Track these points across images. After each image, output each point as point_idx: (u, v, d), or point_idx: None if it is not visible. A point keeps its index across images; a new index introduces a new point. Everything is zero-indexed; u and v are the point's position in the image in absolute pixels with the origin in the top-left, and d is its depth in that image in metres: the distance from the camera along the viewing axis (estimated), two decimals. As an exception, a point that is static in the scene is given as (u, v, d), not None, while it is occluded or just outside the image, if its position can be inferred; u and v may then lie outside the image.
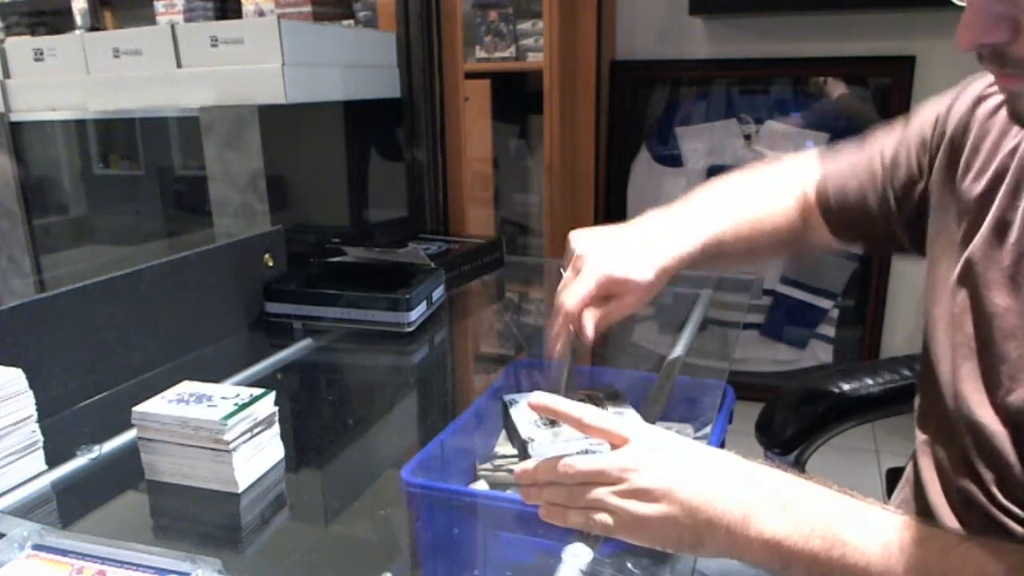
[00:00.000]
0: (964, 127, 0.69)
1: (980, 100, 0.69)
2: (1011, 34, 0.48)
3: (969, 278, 0.63)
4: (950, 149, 0.71)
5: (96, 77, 1.56)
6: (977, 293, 0.62)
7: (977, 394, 0.61)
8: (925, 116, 0.76)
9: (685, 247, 0.79)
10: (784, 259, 0.88)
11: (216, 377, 0.91)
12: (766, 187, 0.90)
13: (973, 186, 0.66)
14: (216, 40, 1.41)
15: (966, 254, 0.64)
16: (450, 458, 0.87)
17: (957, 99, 0.72)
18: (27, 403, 0.76)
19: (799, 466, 1.02)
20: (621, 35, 2.31)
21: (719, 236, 0.83)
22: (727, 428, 1.08)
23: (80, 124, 1.73)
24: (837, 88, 2.13)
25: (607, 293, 0.74)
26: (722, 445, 1.06)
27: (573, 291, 0.73)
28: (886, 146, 0.80)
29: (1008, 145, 0.64)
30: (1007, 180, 0.62)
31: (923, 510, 0.69)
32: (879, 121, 2.03)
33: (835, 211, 0.84)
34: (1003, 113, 0.65)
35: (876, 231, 0.82)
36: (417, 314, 1.22)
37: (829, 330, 2.24)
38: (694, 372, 1.02)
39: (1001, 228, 0.61)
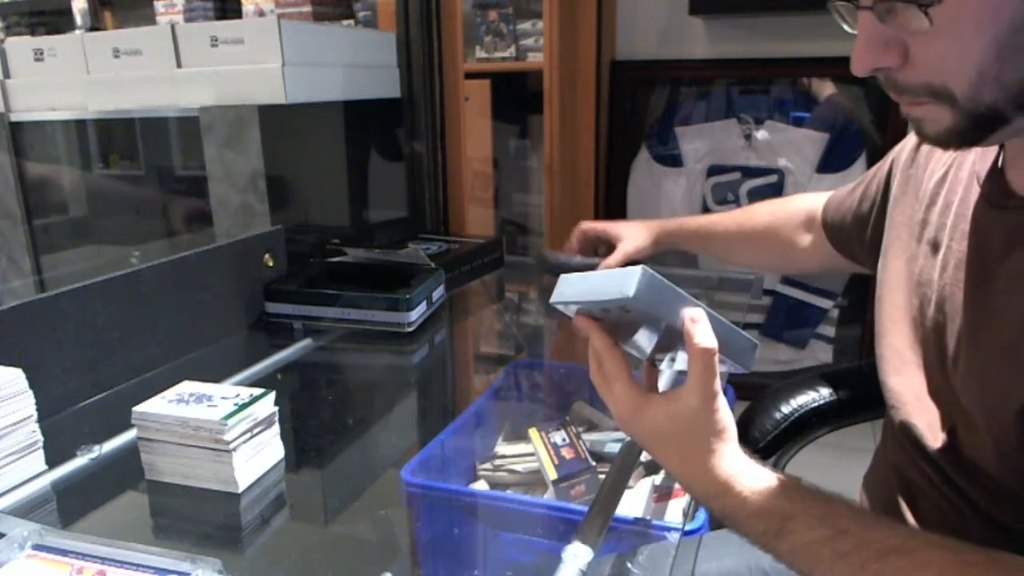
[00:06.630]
0: (911, 155, 0.76)
1: None
2: (900, 59, 0.50)
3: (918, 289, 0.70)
4: (901, 178, 0.77)
5: (96, 77, 1.56)
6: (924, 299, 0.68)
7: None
8: (894, 149, 0.82)
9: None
10: (784, 266, 1.19)
11: (216, 377, 0.91)
12: (779, 203, 1.12)
13: (914, 209, 0.72)
14: (216, 40, 1.41)
15: (915, 272, 0.69)
16: (450, 458, 0.87)
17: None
18: (27, 403, 0.76)
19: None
20: (621, 35, 2.30)
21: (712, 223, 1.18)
22: (727, 428, 1.07)
23: (80, 124, 1.73)
24: (825, 88, 2.13)
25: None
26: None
27: None
28: (867, 176, 0.89)
29: (938, 171, 0.70)
30: (938, 204, 0.68)
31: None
32: (877, 121, 2.04)
33: (831, 226, 0.97)
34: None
35: (856, 248, 0.91)
36: (417, 314, 1.22)
37: (829, 330, 2.24)
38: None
39: (934, 247, 0.67)
